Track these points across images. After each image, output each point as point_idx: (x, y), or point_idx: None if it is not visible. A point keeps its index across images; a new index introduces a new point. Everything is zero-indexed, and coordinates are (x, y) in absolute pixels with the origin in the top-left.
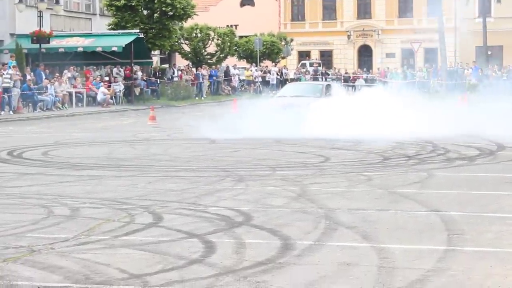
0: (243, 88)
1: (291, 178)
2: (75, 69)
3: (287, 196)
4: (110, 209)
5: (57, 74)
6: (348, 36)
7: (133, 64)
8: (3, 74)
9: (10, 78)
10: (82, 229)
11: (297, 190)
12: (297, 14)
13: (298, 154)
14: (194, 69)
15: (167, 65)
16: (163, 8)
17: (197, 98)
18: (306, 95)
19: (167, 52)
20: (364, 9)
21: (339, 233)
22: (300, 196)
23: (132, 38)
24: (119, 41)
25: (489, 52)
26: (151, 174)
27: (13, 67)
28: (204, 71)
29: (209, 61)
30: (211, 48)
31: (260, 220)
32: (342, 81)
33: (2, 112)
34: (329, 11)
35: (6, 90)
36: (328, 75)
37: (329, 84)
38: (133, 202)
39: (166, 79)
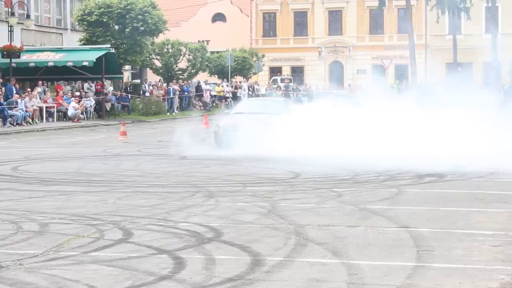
0: (214, 104)
1: (262, 194)
2: (46, 84)
3: (257, 212)
4: (80, 225)
5: (28, 89)
6: (319, 52)
7: (104, 79)
8: None
9: None
10: (51, 245)
11: (268, 206)
12: (269, 30)
13: (268, 169)
14: (165, 85)
15: (138, 80)
16: (135, 24)
17: (168, 113)
18: (264, 112)
19: (138, 67)
20: (335, 26)
21: (309, 249)
22: (270, 212)
23: (103, 52)
24: (90, 56)
25: (459, 69)
26: (121, 189)
27: None
28: (175, 87)
29: (180, 76)
30: (183, 63)
31: (230, 236)
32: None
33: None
34: (301, 27)
35: None
36: (300, 91)
37: (286, 100)
38: (103, 218)
39: (140, 94)
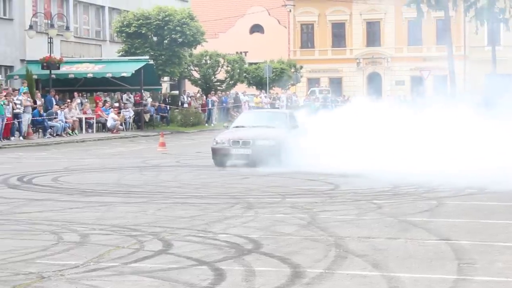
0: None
1: (301, 205)
2: (85, 95)
3: (297, 224)
4: (120, 236)
5: (68, 100)
6: (357, 64)
7: (142, 91)
8: (14, 100)
9: (21, 104)
10: (91, 255)
11: (307, 217)
12: (307, 41)
13: (307, 181)
14: (203, 96)
15: (176, 92)
16: (173, 35)
17: (206, 124)
18: (267, 125)
19: (176, 79)
20: (373, 37)
21: (349, 262)
22: (310, 224)
23: (141, 64)
24: (129, 67)
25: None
26: (160, 200)
27: (24, 93)
28: (213, 98)
29: (218, 87)
30: (221, 74)
31: (270, 247)
32: None
33: (13, 138)
34: (339, 38)
35: (17, 116)
36: (338, 102)
37: (290, 112)
38: (143, 229)
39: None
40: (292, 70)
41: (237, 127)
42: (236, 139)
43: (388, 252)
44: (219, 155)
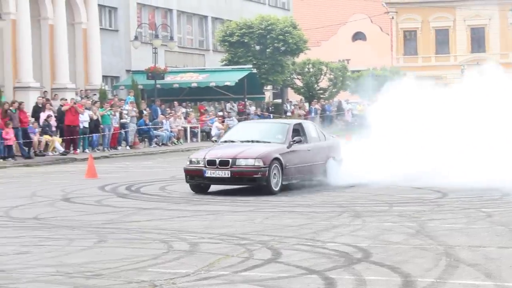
0: (356, 123)
1: (408, 214)
2: (189, 104)
3: (405, 233)
4: (229, 244)
5: (172, 109)
6: (462, 70)
7: (246, 99)
8: (121, 110)
9: (127, 114)
10: (202, 264)
11: (415, 226)
12: (410, 48)
13: (414, 189)
14: (306, 104)
15: (279, 100)
16: (276, 44)
17: None
18: (263, 139)
19: (279, 87)
20: (477, 43)
21: (460, 271)
22: (418, 233)
23: (245, 73)
24: (232, 77)
25: None
26: (267, 209)
27: (130, 103)
28: (316, 106)
29: (321, 95)
30: (324, 82)
31: (379, 256)
32: None
33: (119, 147)
34: (442, 45)
35: (123, 125)
36: None
37: (299, 124)
38: (251, 238)
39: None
40: (396, 77)
41: (225, 141)
42: (212, 158)
43: (500, 261)
44: (191, 178)
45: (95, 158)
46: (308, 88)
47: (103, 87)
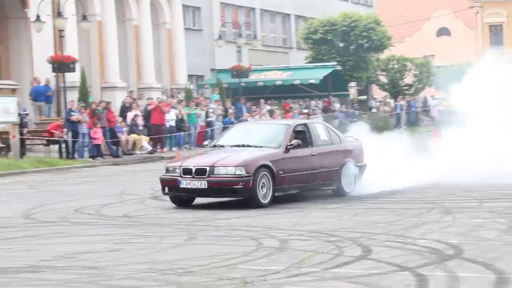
0: (442, 119)
1: (499, 210)
2: (274, 102)
3: (497, 229)
4: (318, 241)
5: (258, 107)
6: None
7: (330, 96)
8: (206, 108)
9: (213, 112)
10: (292, 261)
11: (507, 222)
12: (495, 42)
13: (504, 185)
14: (391, 100)
15: (364, 97)
16: (359, 41)
17: (395, 129)
18: (256, 144)
19: (364, 84)
20: None
21: None
22: (510, 229)
23: (329, 70)
24: (317, 74)
25: None
26: (356, 206)
27: (215, 101)
28: (402, 102)
29: (406, 92)
30: (409, 79)
31: (472, 253)
32: None
33: (205, 143)
34: None
35: (209, 124)
36: None
37: (304, 124)
38: (340, 234)
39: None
40: None
41: (215, 146)
42: (188, 166)
43: None
44: (169, 190)
45: None
46: (393, 85)
47: (188, 86)
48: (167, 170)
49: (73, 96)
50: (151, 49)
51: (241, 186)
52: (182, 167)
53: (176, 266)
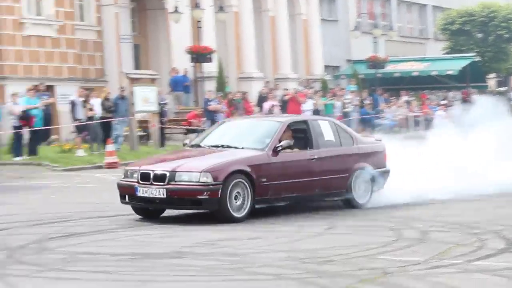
0: None
1: None
2: (410, 93)
3: None
4: (459, 233)
5: (394, 98)
6: None
7: (469, 88)
8: (342, 99)
9: (350, 103)
10: (432, 252)
11: None
12: None
13: None
14: None
15: (505, 88)
16: (499, 31)
17: None
18: (235, 144)
19: (503, 75)
20: None
21: None
22: None
23: (467, 61)
24: (454, 65)
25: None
26: (497, 198)
27: (352, 92)
28: None
29: None
30: None
31: None
32: None
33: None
34: None
35: (346, 114)
36: None
37: (304, 122)
38: (482, 226)
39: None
40: None
41: (193, 145)
42: (146, 171)
43: None
44: (129, 198)
45: None
46: None
47: (324, 77)
48: (125, 175)
49: (210, 86)
50: (287, 39)
51: (206, 197)
52: (140, 172)
53: (316, 255)
